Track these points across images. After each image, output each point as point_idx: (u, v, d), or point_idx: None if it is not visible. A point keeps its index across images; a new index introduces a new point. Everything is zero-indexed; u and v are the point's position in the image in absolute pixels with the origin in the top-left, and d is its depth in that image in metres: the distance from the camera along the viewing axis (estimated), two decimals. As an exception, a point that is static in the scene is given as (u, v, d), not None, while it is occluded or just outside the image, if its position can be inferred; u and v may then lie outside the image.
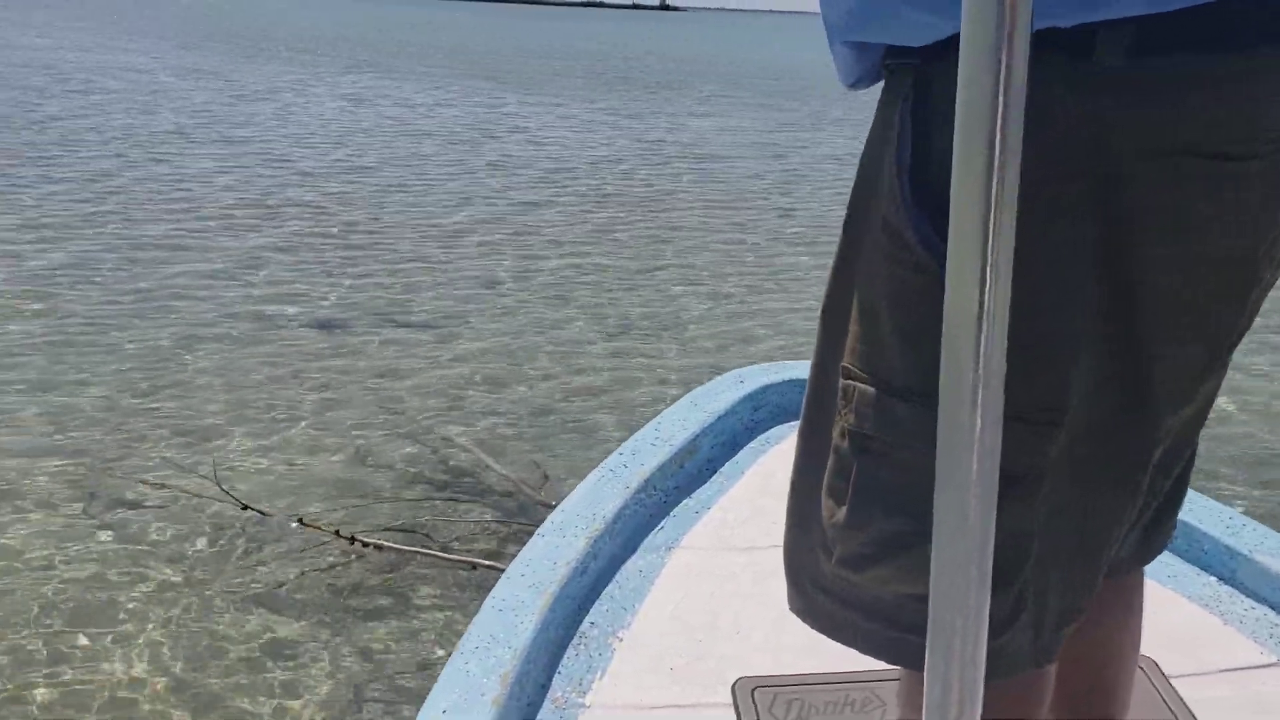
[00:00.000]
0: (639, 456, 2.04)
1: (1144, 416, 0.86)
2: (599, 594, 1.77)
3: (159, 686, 2.63)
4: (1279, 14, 0.75)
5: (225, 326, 5.42)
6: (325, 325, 5.55)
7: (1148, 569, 1.14)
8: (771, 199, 9.97)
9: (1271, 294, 0.91)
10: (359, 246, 7.38)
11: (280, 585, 3.09)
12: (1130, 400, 0.85)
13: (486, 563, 3.17)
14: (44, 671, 2.66)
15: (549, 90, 20.83)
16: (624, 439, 2.15)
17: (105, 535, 3.31)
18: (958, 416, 0.61)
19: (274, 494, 3.63)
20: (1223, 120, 0.76)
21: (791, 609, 0.99)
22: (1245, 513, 2.02)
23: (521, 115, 16.16)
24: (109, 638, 2.80)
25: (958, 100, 0.57)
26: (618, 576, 1.81)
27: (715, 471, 2.15)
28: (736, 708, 1.51)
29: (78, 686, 2.61)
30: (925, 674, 0.67)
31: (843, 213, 0.90)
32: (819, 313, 0.93)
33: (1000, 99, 0.55)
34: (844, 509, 0.87)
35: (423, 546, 3.29)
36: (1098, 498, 0.87)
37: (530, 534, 1.85)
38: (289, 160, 10.84)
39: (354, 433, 4.21)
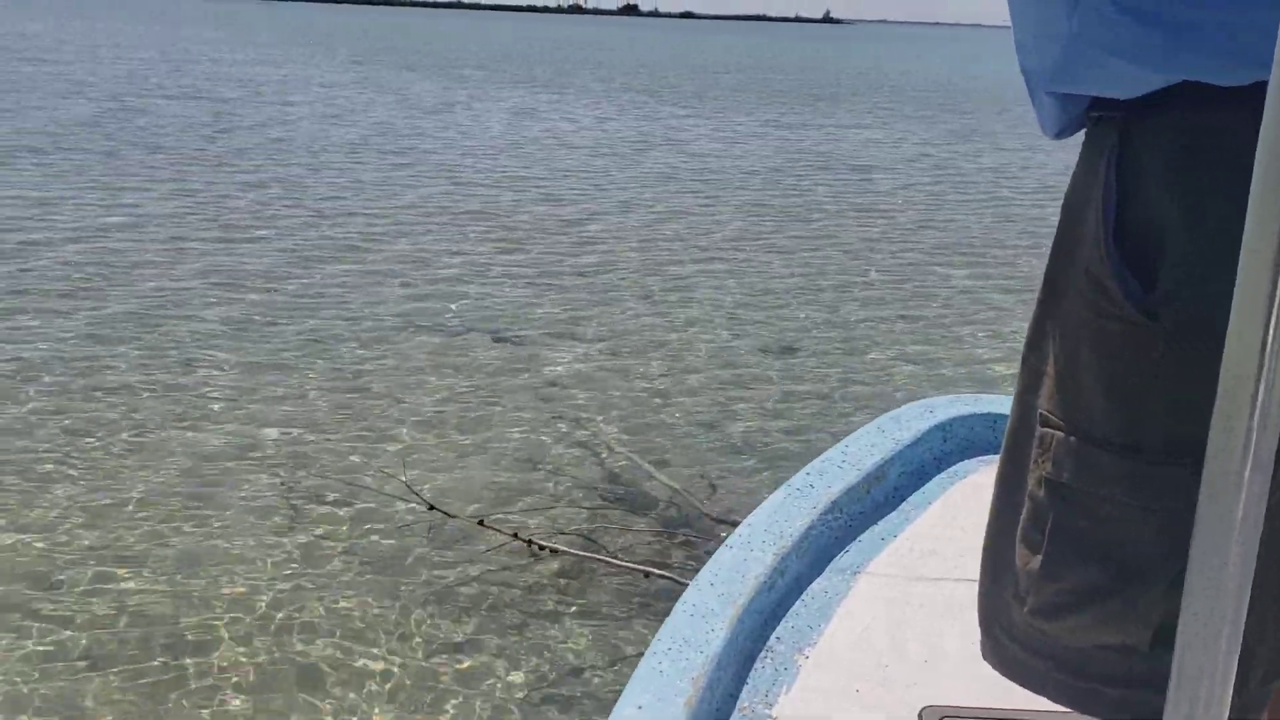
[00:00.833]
0: (826, 478, 2.06)
1: None
2: (785, 610, 1.80)
3: (347, 675, 2.79)
4: None
5: (407, 334, 5.69)
6: (499, 335, 5.76)
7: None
8: (932, 215, 9.78)
9: None
10: (530, 257, 7.63)
11: (463, 583, 3.23)
12: None
13: (659, 571, 3.23)
14: (258, 642, 2.88)
15: (724, 104, 20.94)
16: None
17: (301, 532, 3.53)
18: (1227, 467, 0.62)
19: (455, 496, 3.80)
20: None
21: (983, 656, 0.99)
22: None
23: (687, 127, 16.35)
24: (297, 626, 3.00)
25: (1257, 157, 0.55)
26: (804, 595, 1.84)
27: (903, 500, 2.15)
28: (923, 734, 1.52)
29: (270, 668, 2.81)
30: None
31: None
32: (1021, 351, 0.93)
33: None
34: (1039, 558, 0.86)
35: (595, 552, 3.39)
36: None
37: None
38: (458, 170, 11.28)
39: (526, 439, 4.36)
